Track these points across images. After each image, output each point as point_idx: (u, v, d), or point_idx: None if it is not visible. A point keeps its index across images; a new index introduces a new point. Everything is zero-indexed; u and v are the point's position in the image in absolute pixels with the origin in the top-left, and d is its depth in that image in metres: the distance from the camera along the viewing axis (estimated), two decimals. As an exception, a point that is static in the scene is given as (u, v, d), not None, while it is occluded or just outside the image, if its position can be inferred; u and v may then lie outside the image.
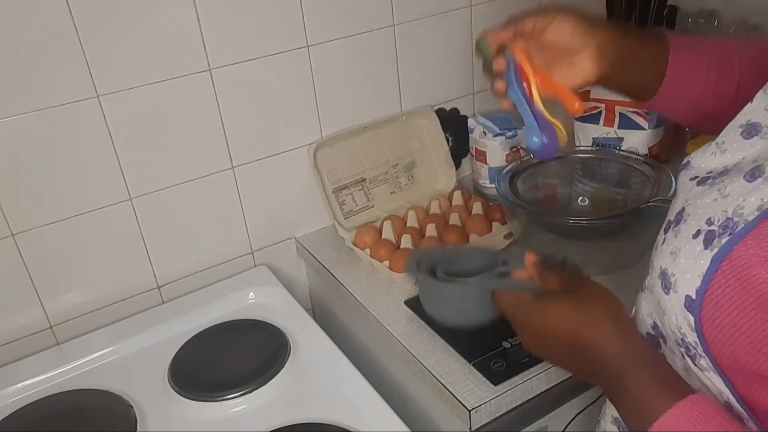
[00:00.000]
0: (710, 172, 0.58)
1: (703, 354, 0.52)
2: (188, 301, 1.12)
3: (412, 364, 0.93)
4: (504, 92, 0.75)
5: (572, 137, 1.33)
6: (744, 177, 0.52)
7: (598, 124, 1.26)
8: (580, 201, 1.15)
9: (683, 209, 0.56)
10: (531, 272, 0.68)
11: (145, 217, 1.07)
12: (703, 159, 0.60)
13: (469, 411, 0.83)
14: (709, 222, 0.52)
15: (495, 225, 1.15)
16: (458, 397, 0.84)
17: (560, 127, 0.75)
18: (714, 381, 0.54)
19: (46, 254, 1.02)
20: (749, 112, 0.58)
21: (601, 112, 1.26)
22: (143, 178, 1.05)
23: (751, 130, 0.57)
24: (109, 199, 1.04)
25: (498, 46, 0.75)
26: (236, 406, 0.91)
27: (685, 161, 0.62)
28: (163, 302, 1.14)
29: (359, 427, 0.85)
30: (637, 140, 1.23)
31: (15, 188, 0.96)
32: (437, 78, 1.28)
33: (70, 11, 0.91)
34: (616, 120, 1.25)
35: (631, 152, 1.17)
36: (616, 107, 1.24)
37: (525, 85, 0.74)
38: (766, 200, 0.49)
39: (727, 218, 0.50)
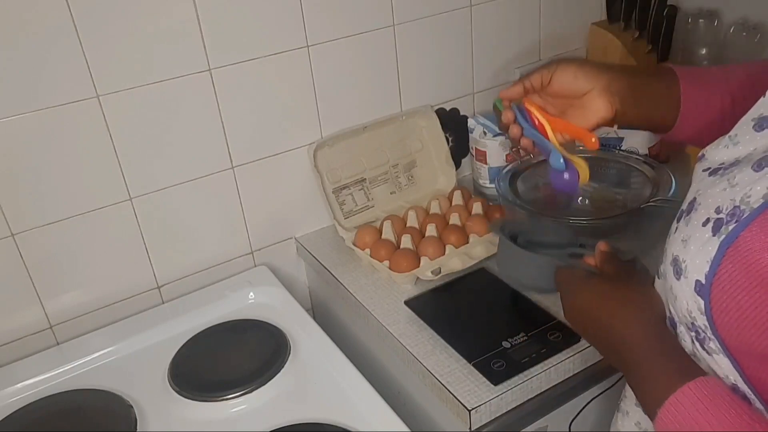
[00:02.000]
0: (722, 163, 0.60)
1: (712, 336, 0.54)
2: (188, 301, 1.12)
3: (412, 364, 0.93)
4: (520, 135, 0.83)
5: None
6: (752, 167, 0.54)
7: (598, 124, 1.26)
8: (580, 201, 1.15)
9: (695, 199, 0.58)
10: (598, 259, 0.75)
11: (145, 217, 1.07)
12: (716, 152, 0.61)
13: (469, 411, 0.83)
14: (718, 210, 0.54)
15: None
16: (458, 397, 0.84)
17: (581, 164, 0.83)
18: (722, 363, 0.55)
19: (46, 254, 1.02)
20: (762, 106, 0.59)
21: (601, 112, 1.26)
22: (143, 178, 1.05)
23: (762, 123, 0.58)
24: (109, 199, 1.04)
25: (510, 102, 0.84)
26: (236, 406, 0.91)
27: (700, 154, 0.64)
28: (163, 302, 1.14)
29: (359, 427, 0.85)
30: (637, 140, 1.23)
31: (15, 188, 0.96)
32: (437, 78, 1.28)
33: (70, 11, 0.91)
34: (616, 120, 1.24)
35: (631, 152, 1.17)
36: (616, 107, 1.24)
37: (538, 128, 0.82)
38: None
39: (735, 206, 0.52)
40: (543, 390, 0.89)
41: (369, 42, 1.17)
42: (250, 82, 1.08)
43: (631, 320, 0.64)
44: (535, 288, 0.93)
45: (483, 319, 0.98)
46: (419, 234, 1.15)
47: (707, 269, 0.52)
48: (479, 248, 1.11)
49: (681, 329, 0.60)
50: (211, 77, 1.05)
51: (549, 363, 0.88)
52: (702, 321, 0.55)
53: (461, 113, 1.32)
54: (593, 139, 0.80)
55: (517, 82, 0.84)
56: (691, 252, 0.55)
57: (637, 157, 1.11)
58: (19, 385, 0.97)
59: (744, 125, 0.60)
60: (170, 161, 1.06)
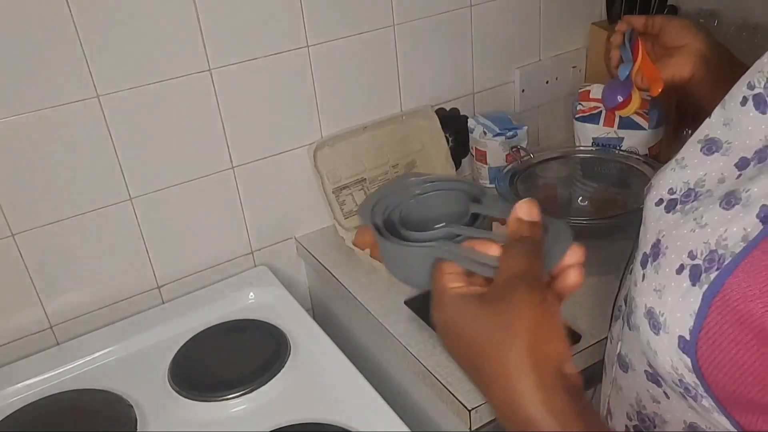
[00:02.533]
0: (671, 189, 0.57)
1: (705, 395, 0.49)
2: (188, 301, 1.12)
3: (412, 364, 0.93)
4: (619, 44, 0.91)
5: (572, 137, 1.33)
6: (720, 204, 0.50)
7: (598, 124, 1.26)
8: (580, 201, 1.15)
9: (659, 241, 0.54)
10: (511, 227, 0.52)
11: (145, 217, 1.07)
12: (663, 175, 0.58)
13: (469, 411, 0.83)
14: (692, 255, 0.49)
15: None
16: (458, 397, 0.84)
17: (638, 98, 0.91)
18: (720, 422, 0.50)
19: (46, 254, 1.02)
20: (707, 128, 0.57)
21: (601, 112, 1.26)
22: (143, 178, 1.05)
23: (711, 146, 0.55)
24: (109, 199, 1.04)
25: (629, 24, 0.91)
26: (236, 406, 0.91)
27: (647, 186, 0.60)
28: (163, 302, 1.14)
29: (359, 427, 0.85)
30: (637, 140, 1.23)
31: (15, 188, 0.96)
32: (437, 78, 1.28)
33: (70, 11, 0.91)
34: (616, 120, 1.24)
35: (631, 152, 1.17)
36: (616, 107, 1.24)
37: (633, 57, 0.89)
38: (749, 230, 0.46)
39: (711, 251, 0.48)
40: (543, 390, 0.89)
41: (369, 42, 1.17)
42: (250, 82, 1.08)
43: (528, 372, 0.44)
44: (419, 285, 0.58)
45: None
46: (419, 234, 1.15)
47: (691, 324, 0.47)
48: (479, 248, 1.10)
49: (666, 387, 0.55)
50: (211, 77, 1.05)
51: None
52: (691, 378, 0.49)
53: (461, 113, 1.32)
54: (659, 88, 0.85)
55: (642, 16, 0.91)
56: (668, 304, 0.50)
57: (637, 157, 1.11)
58: (19, 385, 0.97)
59: (690, 147, 0.57)
60: (170, 161, 1.06)
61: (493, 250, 0.51)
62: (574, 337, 0.92)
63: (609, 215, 1.05)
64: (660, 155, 1.25)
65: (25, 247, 1.00)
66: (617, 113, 0.93)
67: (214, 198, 1.13)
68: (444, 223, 0.58)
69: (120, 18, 0.95)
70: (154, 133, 1.04)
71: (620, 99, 0.91)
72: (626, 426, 0.64)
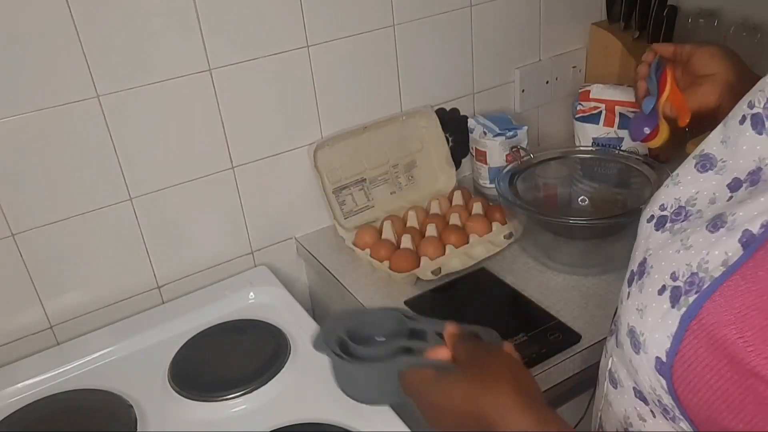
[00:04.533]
0: (662, 205, 0.57)
1: (681, 417, 0.50)
2: (188, 301, 1.12)
3: (412, 364, 0.92)
4: (645, 75, 0.90)
5: (572, 137, 1.33)
6: (706, 227, 0.50)
7: (598, 124, 1.26)
8: (580, 201, 1.15)
9: (645, 260, 0.54)
10: (446, 347, 0.63)
11: (145, 217, 1.07)
12: (658, 191, 0.59)
13: (469, 411, 0.83)
14: (674, 277, 0.49)
15: (495, 225, 1.15)
16: (458, 397, 0.84)
17: (665, 129, 0.89)
18: None
19: (46, 254, 1.02)
20: (705, 144, 0.57)
21: (601, 112, 1.26)
22: (143, 178, 1.05)
23: (705, 163, 0.55)
24: (109, 199, 1.04)
25: (657, 53, 0.91)
26: (236, 406, 0.91)
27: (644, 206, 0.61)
28: (163, 302, 1.14)
29: (359, 427, 0.85)
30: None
31: (15, 188, 0.96)
32: (437, 78, 1.28)
33: (70, 11, 0.91)
34: (616, 120, 1.24)
35: (631, 152, 1.17)
36: (616, 107, 1.24)
37: (660, 88, 0.88)
38: (730, 254, 0.46)
39: (692, 273, 0.48)
40: (543, 390, 0.88)
41: (369, 42, 1.17)
42: (250, 82, 1.08)
43: (514, 406, 0.53)
44: (385, 402, 0.77)
45: (483, 319, 0.97)
46: (419, 234, 1.15)
47: (668, 346, 0.47)
48: (479, 248, 1.11)
49: (651, 405, 0.55)
50: (211, 77, 1.05)
51: (549, 363, 0.88)
52: (668, 400, 0.50)
53: (461, 113, 1.32)
54: (687, 118, 0.85)
55: (671, 44, 0.91)
56: (648, 324, 0.50)
57: (637, 157, 1.11)
58: (19, 385, 0.97)
59: (687, 164, 0.57)
60: (170, 161, 1.06)
61: (443, 354, 0.62)
62: (574, 337, 0.92)
63: (609, 215, 1.05)
64: (660, 155, 1.25)
65: (25, 247, 1.00)
66: (647, 145, 0.92)
67: (214, 198, 1.13)
68: (384, 338, 0.69)
69: (120, 18, 0.95)
70: (154, 133, 1.04)
71: (647, 131, 0.90)
72: None
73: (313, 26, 1.10)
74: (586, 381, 0.94)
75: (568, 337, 0.91)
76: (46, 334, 1.06)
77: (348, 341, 0.67)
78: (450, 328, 0.63)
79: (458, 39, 1.27)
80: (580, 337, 0.92)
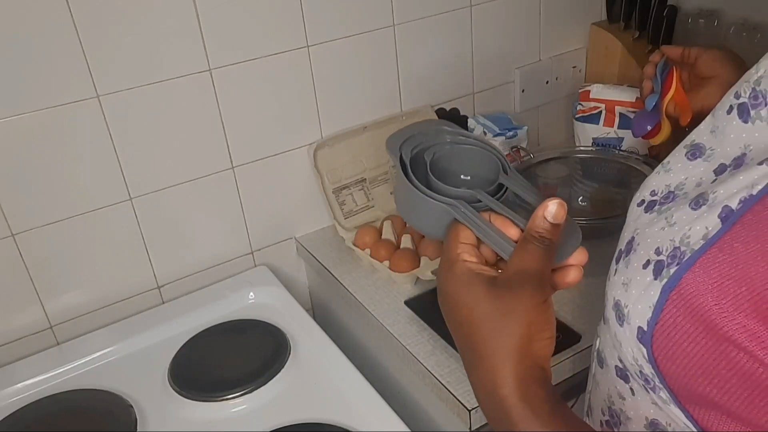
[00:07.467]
0: (653, 191, 0.58)
1: (661, 386, 0.51)
2: (188, 301, 1.12)
3: (412, 364, 0.93)
4: (651, 75, 0.94)
5: (572, 137, 1.33)
6: (689, 205, 0.51)
7: (598, 124, 1.26)
8: (580, 201, 1.15)
9: (633, 238, 0.55)
10: (519, 228, 0.53)
11: (145, 217, 1.07)
12: (649, 178, 0.60)
13: (469, 411, 0.83)
14: (658, 252, 0.51)
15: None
16: (458, 397, 0.84)
17: (667, 127, 0.92)
18: (677, 414, 0.51)
19: (46, 254, 1.02)
20: (695, 134, 0.58)
21: (601, 112, 1.26)
22: (143, 178, 1.05)
23: (695, 152, 0.57)
24: (109, 199, 1.04)
25: (665, 55, 0.94)
26: (236, 406, 0.91)
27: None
28: (163, 302, 1.14)
29: (359, 427, 0.85)
30: (637, 140, 1.23)
31: (15, 188, 0.96)
32: (437, 78, 1.28)
33: (70, 11, 0.91)
34: (616, 120, 1.25)
35: (631, 152, 1.17)
36: (616, 107, 1.24)
37: (665, 87, 0.91)
38: (710, 228, 0.48)
39: (675, 247, 0.50)
40: (543, 390, 0.89)
41: (369, 42, 1.17)
42: (250, 82, 1.08)
43: (511, 357, 0.48)
44: (432, 235, 0.60)
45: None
46: (419, 234, 1.15)
47: (649, 315, 0.49)
48: (479, 248, 1.11)
49: (632, 380, 0.56)
50: (211, 77, 1.05)
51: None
52: (648, 369, 0.51)
53: (461, 113, 1.32)
54: (688, 118, 0.88)
55: (679, 47, 0.94)
56: (632, 297, 0.51)
57: (637, 157, 1.11)
58: (19, 385, 0.97)
59: (677, 152, 0.59)
60: (170, 161, 1.06)
61: (512, 232, 0.53)
62: (574, 337, 0.92)
63: (609, 215, 1.05)
64: (660, 155, 1.25)
65: (25, 247, 1.00)
66: (648, 142, 0.96)
67: (214, 198, 1.13)
68: (470, 178, 0.59)
69: (120, 18, 0.95)
70: (155, 133, 1.04)
71: (648, 128, 0.93)
72: (601, 421, 0.65)
73: (313, 26, 1.10)
74: (586, 381, 0.94)
75: (568, 337, 0.91)
76: (46, 334, 1.06)
77: (428, 166, 0.56)
78: (546, 209, 0.50)
79: (458, 39, 1.27)
80: (581, 337, 0.92)
